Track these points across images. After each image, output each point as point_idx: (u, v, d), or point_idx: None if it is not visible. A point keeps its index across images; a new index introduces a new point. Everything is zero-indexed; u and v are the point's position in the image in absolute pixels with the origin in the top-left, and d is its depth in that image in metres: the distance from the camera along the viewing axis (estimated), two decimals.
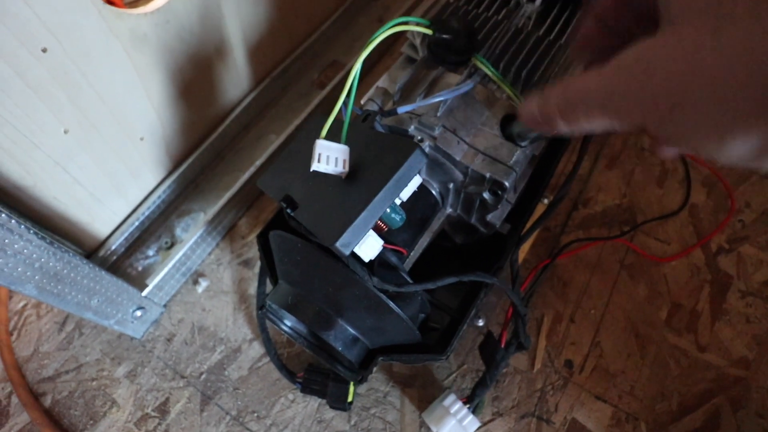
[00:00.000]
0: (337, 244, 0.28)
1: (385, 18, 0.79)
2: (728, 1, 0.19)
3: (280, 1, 0.63)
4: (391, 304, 0.34)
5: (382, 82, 0.46)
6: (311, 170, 0.30)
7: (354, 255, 0.31)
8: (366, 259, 0.31)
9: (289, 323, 0.43)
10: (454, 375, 0.51)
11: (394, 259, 0.38)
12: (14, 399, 0.52)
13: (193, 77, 0.57)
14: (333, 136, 0.34)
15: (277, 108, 0.71)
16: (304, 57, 0.73)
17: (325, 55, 0.76)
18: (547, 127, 0.28)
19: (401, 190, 0.29)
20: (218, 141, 0.64)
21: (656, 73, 0.21)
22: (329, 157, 0.30)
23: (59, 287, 0.43)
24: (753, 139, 0.19)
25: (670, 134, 0.22)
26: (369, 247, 0.31)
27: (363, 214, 0.28)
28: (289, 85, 0.72)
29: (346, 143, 0.33)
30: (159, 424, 0.50)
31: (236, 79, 0.64)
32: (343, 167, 0.30)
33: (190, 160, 0.61)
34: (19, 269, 0.39)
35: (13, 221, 0.37)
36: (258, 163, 0.61)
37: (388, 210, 0.31)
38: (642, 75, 0.22)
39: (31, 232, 0.38)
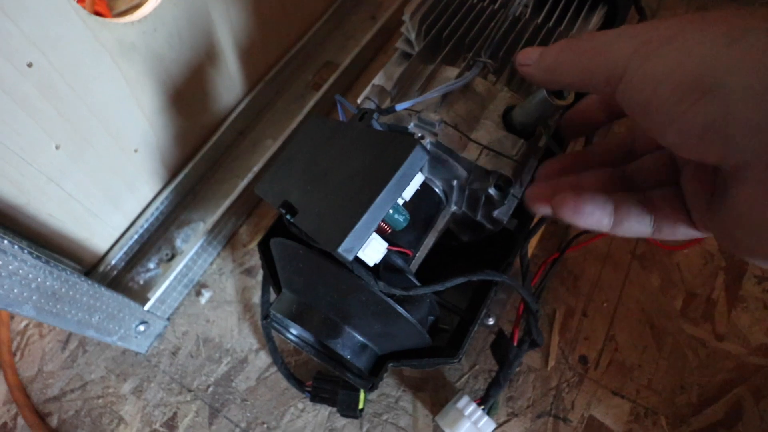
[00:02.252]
0: (340, 250, 0.27)
1: (377, 15, 0.78)
2: None
3: (270, 3, 0.62)
4: (399, 308, 0.33)
5: (378, 79, 0.44)
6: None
7: (358, 260, 0.30)
8: (370, 264, 0.30)
9: (295, 332, 0.42)
10: (466, 376, 0.50)
11: (399, 261, 0.37)
12: (20, 420, 0.51)
13: (185, 85, 0.55)
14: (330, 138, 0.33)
15: (272, 112, 0.69)
16: (298, 59, 0.71)
17: (319, 56, 0.74)
18: (537, 76, 0.29)
19: (403, 189, 0.28)
20: (214, 148, 0.63)
21: (626, 43, 0.23)
22: None
23: (58, 306, 0.42)
24: None
25: (622, 97, 0.23)
26: (373, 250, 0.29)
27: (365, 217, 0.27)
28: (283, 88, 0.71)
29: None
30: None
31: (229, 85, 0.63)
32: None
33: (186, 170, 0.60)
34: (15, 290, 0.38)
35: (6, 241, 0.36)
36: (256, 168, 0.60)
37: (391, 211, 0.30)
38: (616, 44, 0.23)
39: (26, 251, 0.37)
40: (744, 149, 0.18)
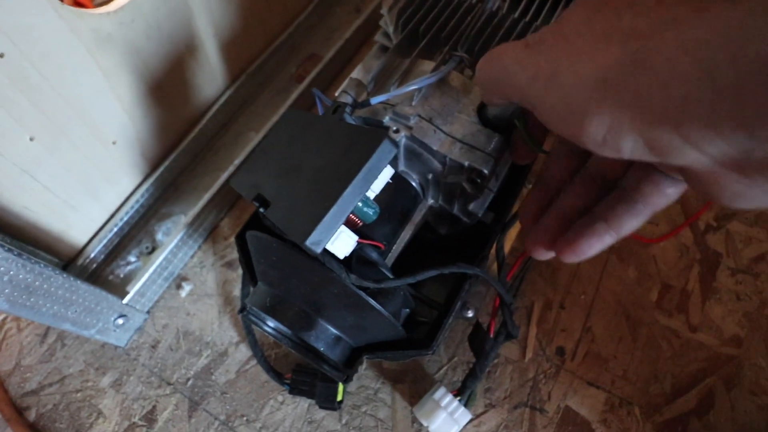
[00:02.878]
0: (308, 243, 0.27)
1: (362, 8, 0.78)
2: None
3: None
4: (371, 300, 0.33)
5: (355, 73, 0.44)
6: None
7: (328, 252, 0.30)
8: (340, 256, 0.30)
9: (272, 324, 0.42)
10: (444, 368, 0.50)
11: (374, 255, 0.37)
12: None
13: (165, 77, 0.55)
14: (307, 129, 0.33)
15: (255, 105, 0.69)
16: (281, 51, 0.71)
17: (303, 48, 0.74)
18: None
19: (371, 182, 0.28)
20: (195, 141, 0.63)
21: (541, 53, 0.24)
22: None
23: (32, 299, 0.41)
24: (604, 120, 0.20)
25: (541, 107, 0.24)
26: (342, 243, 0.29)
27: (332, 210, 0.27)
28: (266, 80, 0.70)
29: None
30: None
31: (210, 77, 0.62)
32: None
33: (167, 162, 0.60)
34: None
35: None
36: (237, 161, 0.60)
37: (360, 204, 0.30)
38: (531, 58, 0.24)
39: None
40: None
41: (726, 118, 0.17)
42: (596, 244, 0.28)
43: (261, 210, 0.33)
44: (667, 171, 0.26)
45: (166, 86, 0.56)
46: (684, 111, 0.18)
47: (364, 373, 0.50)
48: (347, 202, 0.27)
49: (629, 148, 0.20)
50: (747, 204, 0.20)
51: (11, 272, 0.39)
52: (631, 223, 0.28)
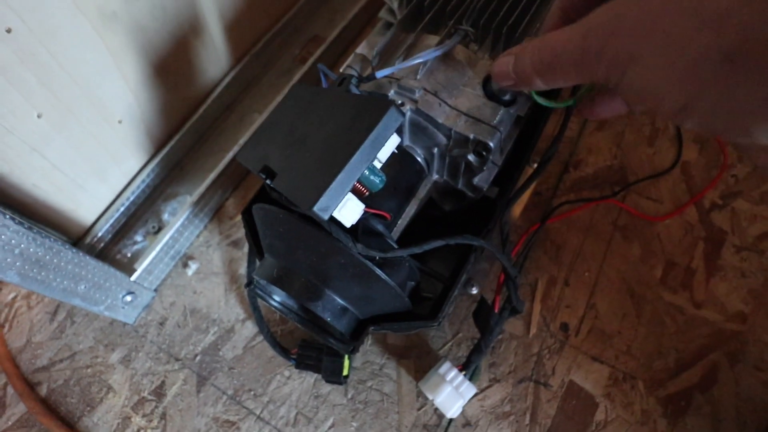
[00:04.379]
0: (315, 209, 0.27)
1: None
2: None
3: None
4: (377, 270, 0.33)
5: (360, 48, 0.44)
6: None
7: (335, 221, 0.30)
8: (347, 224, 0.30)
9: (278, 298, 0.42)
10: (449, 344, 0.51)
11: (379, 226, 0.37)
12: (10, 390, 0.52)
13: (170, 56, 0.55)
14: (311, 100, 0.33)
15: (259, 86, 0.69)
16: (284, 32, 0.71)
17: (306, 30, 0.74)
18: (523, 85, 0.30)
19: (378, 150, 0.28)
20: (200, 122, 0.63)
21: (620, 29, 0.22)
22: None
23: (43, 273, 0.42)
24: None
25: (628, 89, 0.23)
26: (350, 210, 0.30)
27: (340, 176, 0.27)
28: (270, 61, 0.70)
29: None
30: (156, 407, 0.50)
31: (215, 58, 0.62)
32: None
33: (172, 143, 0.60)
34: None
35: None
36: (241, 141, 0.60)
37: (367, 172, 0.30)
38: (609, 33, 0.23)
39: (8, 217, 0.37)
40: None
41: None
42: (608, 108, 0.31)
43: (268, 182, 0.34)
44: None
45: (171, 66, 0.56)
46: (762, 110, 0.19)
47: (369, 349, 0.51)
48: (354, 169, 0.28)
49: (691, 126, 0.21)
50: None
51: (22, 245, 0.39)
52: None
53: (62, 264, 0.43)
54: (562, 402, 0.47)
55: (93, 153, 0.51)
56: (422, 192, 0.43)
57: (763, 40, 0.18)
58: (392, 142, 0.30)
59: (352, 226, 0.31)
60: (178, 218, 0.56)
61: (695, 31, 0.19)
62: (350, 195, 0.29)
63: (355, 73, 0.42)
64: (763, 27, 0.18)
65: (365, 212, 0.31)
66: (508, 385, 0.49)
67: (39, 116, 0.44)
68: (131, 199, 0.58)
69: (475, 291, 0.52)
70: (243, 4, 0.62)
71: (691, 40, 0.20)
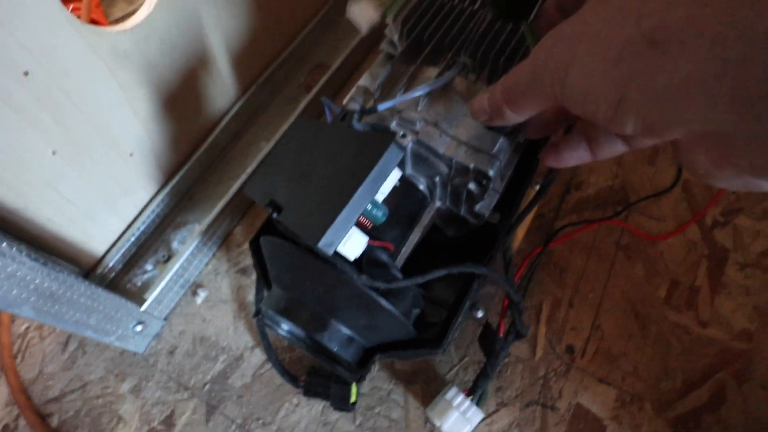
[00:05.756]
0: (320, 245, 0.28)
1: None
2: None
3: (261, 7, 0.64)
4: (382, 300, 0.34)
5: (363, 80, 0.46)
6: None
7: (339, 254, 0.31)
8: (351, 258, 0.31)
9: (286, 327, 0.43)
10: (456, 368, 0.51)
11: (384, 256, 0.38)
12: (22, 422, 0.53)
13: (179, 90, 0.57)
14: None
15: (266, 114, 0.71)
16: (290, 61, 0.73)
17: (311, 58, 0.76)
18: (498, 119, 0.31)
19: (380, 185, 0.29)
20: (209, 151, 0.64)
21: (560, 40, 0.24)
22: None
23: (56, 307, 0.43)
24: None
25: (570, 97, 0.24)
26: (354, 244, 0.31)
27: (343, 213, 0.28)
28: (276, 90, 0.72)
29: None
30: None
31: (222, 89, 0.64)
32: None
33: (181, 173, 0.62)
34: (14, 292, 0.39)
35: (4, 244, 0.37)
36: (249, 170, 0.62)
37: (370, 206, 0.31)
38: (551, 45, 0.24)
39: (24, 254, 0.39)
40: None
41: (726, 94, 0.18)
42: (573, 152, 0.31)
43: (274, 215, 0.35)
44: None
45: (180, 99, 0.58)
46: (685, 89, 0.19)
47: (377, 375, 0.51)
48: (357, 205, 0.29)
49: (631, 127, 0.21)
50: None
51: (37, 281, 0.40)
52: (608, 149, 0.31)
53: (75, 297, 0.44)
54: (570, 426, 0.47)
55: (105, 186, 0.53)
56: (425, 219, 0.44)
57: (679, 18, 0.18)
58: (393, 177, 0.31)
59: (357, 258, 0.32)
60: (188, 246, 0.57)
61: (619, 25, 0.20)
62: (354, 229, 0.30)
63: (357, 106, 0.44)
64: (677, 7, 0.19)
65: (369, 244, 0.32)
66: (516, 409, 0.49)
67: (54, 153, 0.46)
68: (141, 229, 0.59)
69: (480, 315, 0.53)
70: (249, 36, 0.64)
71: (617, 33, 0.20)
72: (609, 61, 0.21)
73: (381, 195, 0.32)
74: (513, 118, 0.30)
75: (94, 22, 0.81)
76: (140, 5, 0.50)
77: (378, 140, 0.30)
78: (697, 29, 0.18)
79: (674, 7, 0.19)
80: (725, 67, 0.17)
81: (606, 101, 0.21)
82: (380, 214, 0.32)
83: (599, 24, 0.22)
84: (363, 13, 0.43)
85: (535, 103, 0.27)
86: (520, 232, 0.57)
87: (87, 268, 0.56)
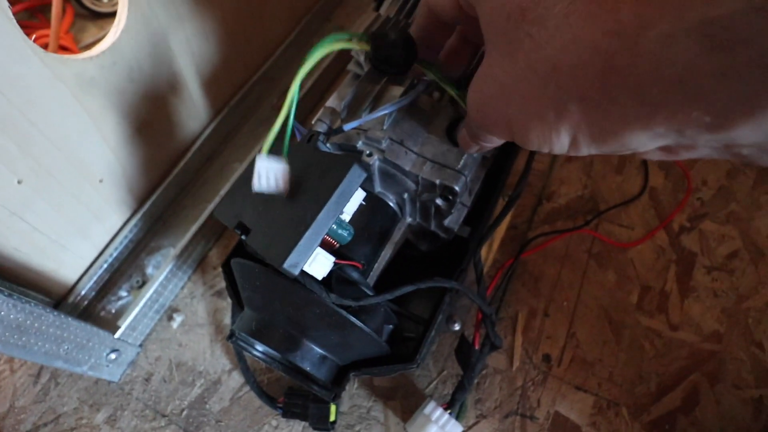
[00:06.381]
0: (285, 266, 0.28)
1: None
2: (515, 30, 0.22)
3: (232, 31, 0.64)
4: (352, 318, 0.34)
5: (330, 101, 0.46)
6: (253, 191, 0.31)
7: (307, 274, 0.31)
8: (318, 277, 0.32)
9: (260, 348, 0.43)
10: (435, 382, 0.51)
11: (354, 274, 0.38)
12: None
13: (149, 115, 0.57)
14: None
15: (239, 136, 0.71)
16: (262, 83, 0.73)
17: (283, 80, 0.76)
18: (486, 145, 0.34)
19: (343, 205, 0.30)
20: (181, 175, 0.64)
21: (478, 89, 0.27)
22: (269, 176, 0.30)
23: (24, 339, 0.42)
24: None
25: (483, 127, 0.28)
26: (320, 264, 0.31)
27: (307, 234, 0.29)
28: (248, 112, 0.73)
29: (287, 161, 0.33)
30: None
31: (194, 112, 0.64)
32: (283, 186, 0.31)
33: (154, 197, 0.61)
34: None
35: None
36: (222, 192, 0.62)
37: (335, 226, 0.31)
38: (485, 108, 0.27)
39: None
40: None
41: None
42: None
43: (242, 237, 0.35)
44: None
45: (150, 124, 0.57)
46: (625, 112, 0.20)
47: (356, 392, 0.51)
48: (321, 226, 0.29)
49: (584, 150, 0.23)
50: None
51: (2, 312, 0.40)
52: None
53: (43, 327, 0.44)
54: None
55: (75, 213, 0.52)
56: (397, 235, 0.45)
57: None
58: (358, 197, 0.31)
59: (325, 276, 0.33)
60: (162, 271, 0.56)
61: (531, 83, 0.23)
62: (319, 249, 0.31)
63: (325, 127, 0.44)
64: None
65: (336, 263, 0.32)
66: (495, 420, 0.49)
67: (19, 182, 0.45)
68: (114, 255, 0.58)
69: (457, 327, 0.53)
70: (220, 59, 0.64)
71: (531, 90, 0.23)
72: (536, 114, 0.23)
73: (347, 215, 0.33)
74: (490, 141, 0.32)
75: (63, 48, 0.81)
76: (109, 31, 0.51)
77: (341, 161, 0.31)
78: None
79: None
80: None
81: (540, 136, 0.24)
82: (346, 234, 0.32)
83: (512, 83, 0.24)
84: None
85: (498, 140, 0.30)
86: (495, 243, 0.58)
87: (58, 297, 0.55)
